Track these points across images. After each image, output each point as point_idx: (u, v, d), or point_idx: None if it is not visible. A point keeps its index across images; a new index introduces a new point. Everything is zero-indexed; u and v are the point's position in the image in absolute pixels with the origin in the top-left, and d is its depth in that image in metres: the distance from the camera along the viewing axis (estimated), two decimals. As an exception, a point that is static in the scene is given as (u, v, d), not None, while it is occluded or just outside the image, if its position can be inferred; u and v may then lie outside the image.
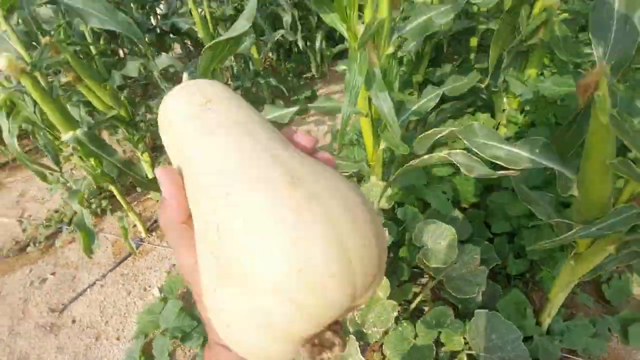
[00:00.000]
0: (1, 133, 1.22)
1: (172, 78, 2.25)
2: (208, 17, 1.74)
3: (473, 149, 0.78)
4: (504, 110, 1.28)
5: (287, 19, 2.05)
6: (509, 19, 0.94)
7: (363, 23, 0.83)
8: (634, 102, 0.77)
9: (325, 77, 2.80)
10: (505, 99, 1.27)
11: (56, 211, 1.73)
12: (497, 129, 1.34)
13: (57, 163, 1.48)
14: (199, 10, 1.72)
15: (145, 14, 1.97)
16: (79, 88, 1.31)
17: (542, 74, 1.18)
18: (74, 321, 1.25)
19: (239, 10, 1.98)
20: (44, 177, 1.48)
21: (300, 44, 2.28)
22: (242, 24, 0.86)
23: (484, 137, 0.81)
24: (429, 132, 0.88)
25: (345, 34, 0.83)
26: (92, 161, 1.22)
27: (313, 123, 2.31)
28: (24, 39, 1.07)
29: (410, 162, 0.79)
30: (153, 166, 1.64)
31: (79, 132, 1.12)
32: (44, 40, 1.09)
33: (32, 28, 1.05)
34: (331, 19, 0.83)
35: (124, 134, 1.50)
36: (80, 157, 1.26)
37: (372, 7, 0.81)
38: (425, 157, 0.76)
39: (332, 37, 2.64)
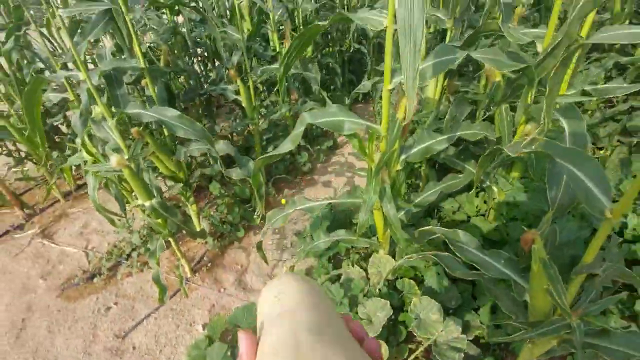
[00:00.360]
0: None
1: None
2: (251, 87, 2.08)
3: (456, 252, 1.06)
4: (494, 198, 1.54)
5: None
6: (494, 146, 1.21)
7: (379, 150, 1.12)
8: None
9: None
10: (495, 189, 1.53)
11: (115, 245, 2.06)
12: (488, 212, 1.60)
13: (124, 211, 1.82)
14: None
15: (197, 79, 2.33)
16: (151, 158, 1.65)
17: (524, 177, 1.44)
18: (134, 347, 1.55)
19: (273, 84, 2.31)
20: (112, 222, 1.82)
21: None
22: (287, 146, 1.18)
23: (465, 243, 1.09)
24: (427, 228, 1.17)
25: (366, 160, 1.12)
26: (160, 220, 1.54)
27: (334, 174, 2.61)
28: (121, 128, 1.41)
29: (411, 255, 1.07)
30: (198, 216, 1.96)
31: (154, 201, 1.44)
32: (133, 130, 1.43)
33: (126, 126, 1.38)
34: (355, 144, 1.13)
35: (179, 190, 1.83)
36: (148, 215, 1.58)
37: (387, 144, 1.09)
38: (420, 256, 1.04)
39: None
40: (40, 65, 2.07)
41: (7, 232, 2.30)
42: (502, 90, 1.25)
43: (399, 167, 1.18)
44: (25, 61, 2.04)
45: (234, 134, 2.61)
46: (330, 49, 3.31)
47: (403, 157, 1.19)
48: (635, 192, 0.68)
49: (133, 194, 2.05)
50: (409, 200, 1.37)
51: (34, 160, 2.36)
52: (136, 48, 1.39)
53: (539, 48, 1.14)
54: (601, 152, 2.16)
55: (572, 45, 0.97)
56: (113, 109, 1.35)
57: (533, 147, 0.86)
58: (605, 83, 2.35)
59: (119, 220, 1.95)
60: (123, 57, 1.62)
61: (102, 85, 1.42)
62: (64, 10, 1.03)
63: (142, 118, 1.21)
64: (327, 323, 0.33)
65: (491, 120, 1.46)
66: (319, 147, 2.77)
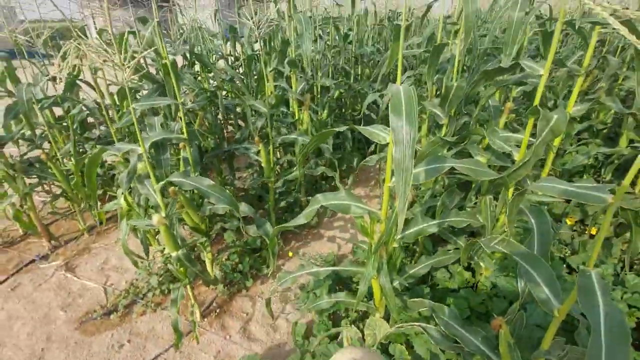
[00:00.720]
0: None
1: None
2: (271, 151, 2.34)
3: (441, 327, 1.23)
4: (481, 273, 1.72)
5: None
6: (473, 239, 1.41)
7: (379, 232, 1.33)
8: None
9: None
10: (482, 265, 1.71)
11: (132, 284, 2.23)
12: (476, 284, 1.76)
13: (147, 254, 2.02)
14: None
15: (222, 138, 2.61)
16: (179, 211, 1.87)
17: (506, 258, 1.63)
18: (143, 386, 1.68)
19: (290, 145, 2.59)
20: (135, 264, 2.01)
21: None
22: (301, 220, 1.40)
23: (450, 318, 1.26)
24: (417, 300, 1.35)
25: (366, 238, 1.33)
26: (182, 269, 1.73)
27: (338, 229, 2.80)
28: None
29: (402, 324, 1.24)
30: (212, 263, 2.14)
31: (180, 252, 1.64)
32: (170, 190, 1.67)
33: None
34: (358, 224, 1.34)
35: (197, 239, 2.03)
36: (170, 263, 1.78)
37: (386, 227, 1.30)
38: (409, 325, 1.21)
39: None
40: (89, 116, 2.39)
41: (32, 261, 2.50)
42: (486, 185, 1.48)
43: (395, 245, 1.38)
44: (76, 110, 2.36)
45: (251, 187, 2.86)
46: (343, 112, 3.64)
47: (399, 236, 1.39)
48: (574, 299, 0.87)
49: (156, 237, 2.26)
50: (404, 271, 1.56)
51: (69, 197, 2.60)
52: (182, 124, 1.66)
53: (516, 157, 1.38)
54: (586, 231, 2.35)
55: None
56: (157, 173, 1.60)
57: (500, 246, 1.07)
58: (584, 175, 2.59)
59: (142, 262, 2.14)
60: (168, 125, 1.91)
61: (151, 151, 1.68)
62: (137, 104, 1.31)
63: (184, 186, 1.44)
64: None
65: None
66: (326, 202, 2.99)
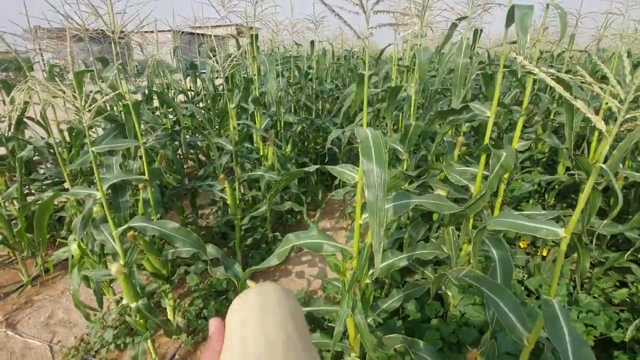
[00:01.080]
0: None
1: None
2: (237, 188, 2.31)
3: (416, 361, 1.23)
4: (449, 302, 1.77)
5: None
6: (441, 271, 1.47)
7: (351, 269, 1.34)
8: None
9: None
10: (450, 294, 1.77)
11: (82, 339, 2.02)
12: (446, 313, 1.81)
13: (101, 305, 1.85)
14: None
15: (184, 176, 2.54)
16: (139, 257, 1.76)
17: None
18: None
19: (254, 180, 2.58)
20: (87, 317, 1.83)
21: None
22: (273, 261, 1.37)
23: (425, 352, 1.27)
24: (392, 336, 1.34)
25: (339, 275, 1.33)
26: (141, 321, 1.60)
27: (307, 264, 2.77)
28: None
29: None
30: (174, 310, 2.01)
31: (140, 303, 1.52)
32: (129, 234, 1.57)
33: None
34: (331, 262, 1.34)
35: (158, 285, 1.90)
36: (128, 314, 1.64)
37: (358, 263, 1.32)
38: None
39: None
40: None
41: (-39, 320, 2.19)
42: (447, 217, 1.56)
43: (367, 281, 1.39)
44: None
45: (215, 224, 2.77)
46: (306, 145, 3.71)
47: (371, 272, 1.41)
48: (539, 327, 0.92)
49: (110, 285, 2.09)
50: (377, 306, 1.56)
51: (9, 244, 2.35)
52: (144, 164, 1.60)
53: (472, 189, 1.48)
54: (538, 252, 2.52)
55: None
56: (115, 217, 1.51)
57: (467, 278, 1.11)
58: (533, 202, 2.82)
59: (95, 314, 1.95)
60: (126, 165, 1.83)
61: (108, 192, 1.59)
62: (97, 147, 1.25)
63: (146, 231, 1.37)
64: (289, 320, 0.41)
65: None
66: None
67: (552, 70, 0.67)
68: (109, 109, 2.64)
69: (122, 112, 1.59)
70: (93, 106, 1.16)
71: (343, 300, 1.28)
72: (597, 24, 2.78)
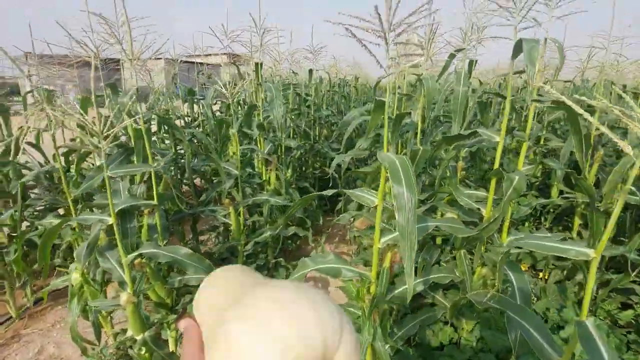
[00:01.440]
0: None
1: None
2: (241, 213, 2.28)
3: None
4: (462, 328, 1.75)
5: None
6: (461, 296, 1.47)
7: (369, 294, 1.32)
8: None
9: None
10: (463, 319, 1.75)
11: (75, 377, 1.89)
12: (460, 339, 1.78)
13: (99, 338, 1.76)
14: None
15: (186, 201, 2.50)
16: (146, 286, 1.69)
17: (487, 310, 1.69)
18: None
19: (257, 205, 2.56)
20: (85, 351, 1.73)
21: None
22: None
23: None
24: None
25: (357, 302, 1.31)
26: (146, 354, 1.52)
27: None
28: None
29: None
30: (176, 342, 1.92)
31: (146, 334, 1.45)
32: (136, 262, 1.52)
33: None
34: (349, 289, 1.32)
35: (162, 316, 1.83)
36: (131, 347, 1.56)
37: (377, 288, 1.30)
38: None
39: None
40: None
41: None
42: (459, 239, 1.58)
43: (385, 307, 1.37)
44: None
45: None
46: (304, 170, 3.73)
47: (389, 297, 1.39)
48: (572, 348, 0.92)
49: (109, 317, 2.00)
50: (393, 333, 1.53)
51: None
52: (154, 188, 1.58)
53: (484, 212, 1.51)
54: (540, 274, 2.54)
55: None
56: (123, 244, 1.46)
57: (492, 302, 1.11)
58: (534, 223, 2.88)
59: (92, 349, 1.84)
60: (130, 189, 1.79)
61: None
62: (112, 172, 1.23)
63: (158, 258, 1.33)
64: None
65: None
66: (295, 262, 2.91)
67: (583, 98, 0.71)
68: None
69: (130, 137, 1.58)
70: (112, 131, 1.15)
71: (364, 328, 1.25)
72: (580, 57, 2.96)
